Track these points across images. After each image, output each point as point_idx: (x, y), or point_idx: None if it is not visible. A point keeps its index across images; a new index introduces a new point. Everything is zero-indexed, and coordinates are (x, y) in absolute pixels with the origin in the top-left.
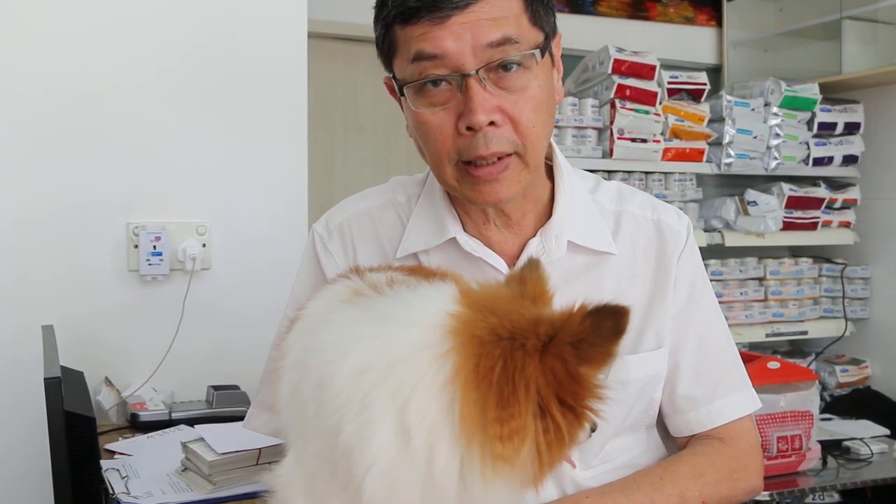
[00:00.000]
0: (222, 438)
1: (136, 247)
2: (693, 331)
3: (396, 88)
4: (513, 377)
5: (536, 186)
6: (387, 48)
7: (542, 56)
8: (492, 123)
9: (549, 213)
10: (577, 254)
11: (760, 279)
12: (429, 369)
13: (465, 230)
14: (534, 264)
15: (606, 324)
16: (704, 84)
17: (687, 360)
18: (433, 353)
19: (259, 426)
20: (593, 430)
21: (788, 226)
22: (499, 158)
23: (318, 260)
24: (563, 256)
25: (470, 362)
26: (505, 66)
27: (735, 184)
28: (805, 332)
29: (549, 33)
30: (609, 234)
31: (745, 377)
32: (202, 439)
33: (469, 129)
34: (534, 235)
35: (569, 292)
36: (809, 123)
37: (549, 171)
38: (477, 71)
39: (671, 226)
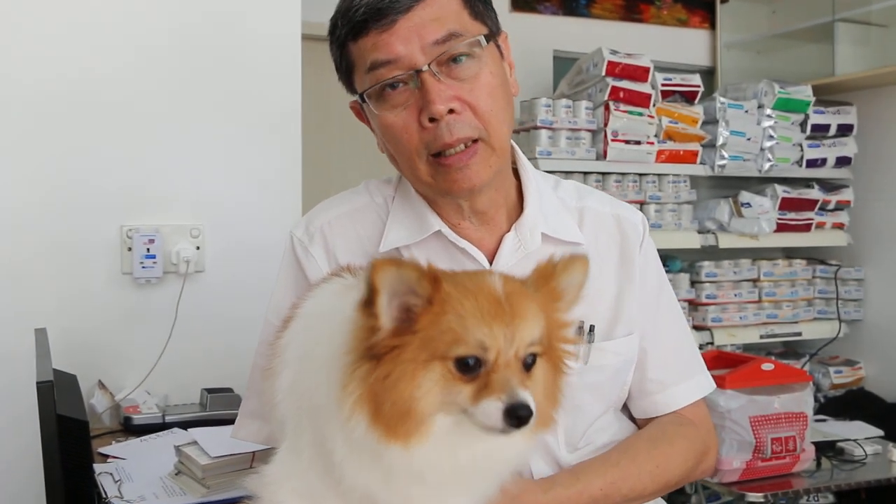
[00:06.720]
0: (216, 442)
1: (129, 249)
2: (661, 317)
3: (359, 100)
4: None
5: (504, 180)
6: (345, 67)
7: (488, 43)
8: (452, 112)
9: (518, 209)
10: (549, 245)
11: (754, 281)
12: (345, 323)
13: None
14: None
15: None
16: (698, 86)
17: (656, 345)
18: (355, 303)
19: (250, 435)
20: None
21: (782, 227)
22: (466, 147)
23: (300, 264)
24: (537, 248)
25: (363, 311)
26: (455, 59)
27: (729, 185)
28: (799, 334)
29: (494, 29)
30: (576, 226)
31: (701, 360)
32: (195, 443)
33: (431, 120)
34: (508, 230)
35: None
36: (803, 125)
37: (514, 173)
38: (429, 65)
39: (629, 219)
